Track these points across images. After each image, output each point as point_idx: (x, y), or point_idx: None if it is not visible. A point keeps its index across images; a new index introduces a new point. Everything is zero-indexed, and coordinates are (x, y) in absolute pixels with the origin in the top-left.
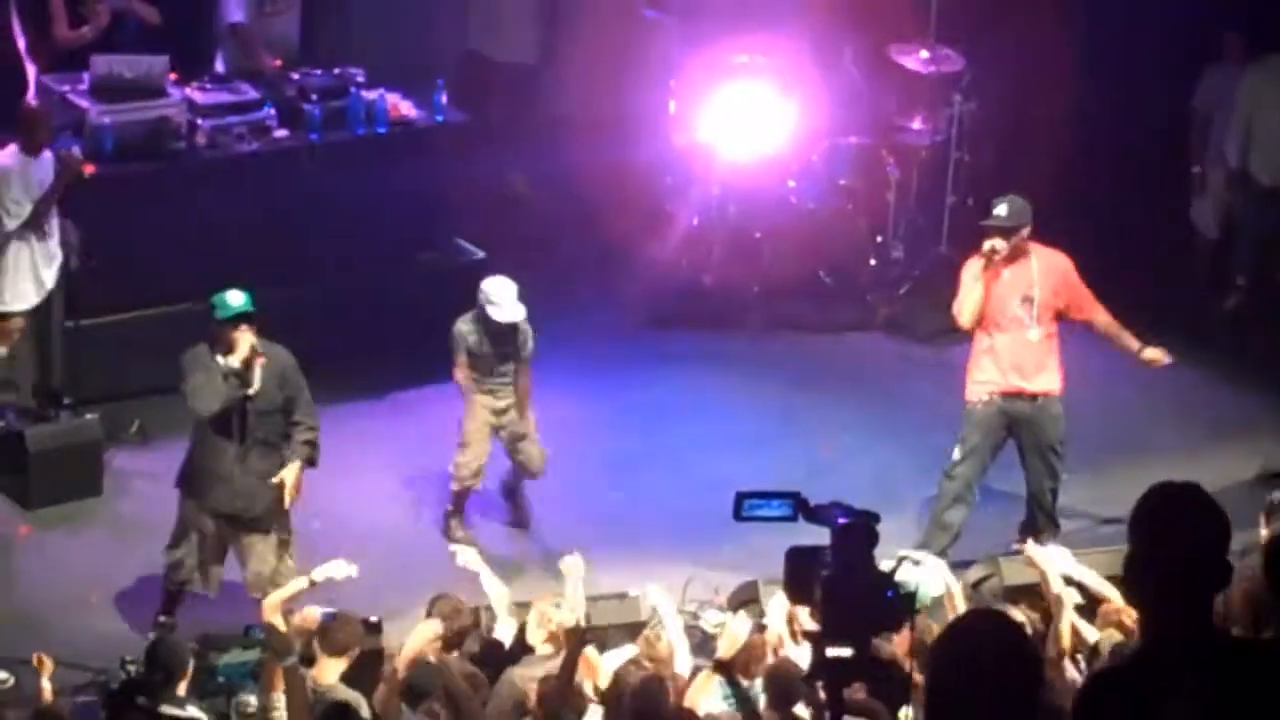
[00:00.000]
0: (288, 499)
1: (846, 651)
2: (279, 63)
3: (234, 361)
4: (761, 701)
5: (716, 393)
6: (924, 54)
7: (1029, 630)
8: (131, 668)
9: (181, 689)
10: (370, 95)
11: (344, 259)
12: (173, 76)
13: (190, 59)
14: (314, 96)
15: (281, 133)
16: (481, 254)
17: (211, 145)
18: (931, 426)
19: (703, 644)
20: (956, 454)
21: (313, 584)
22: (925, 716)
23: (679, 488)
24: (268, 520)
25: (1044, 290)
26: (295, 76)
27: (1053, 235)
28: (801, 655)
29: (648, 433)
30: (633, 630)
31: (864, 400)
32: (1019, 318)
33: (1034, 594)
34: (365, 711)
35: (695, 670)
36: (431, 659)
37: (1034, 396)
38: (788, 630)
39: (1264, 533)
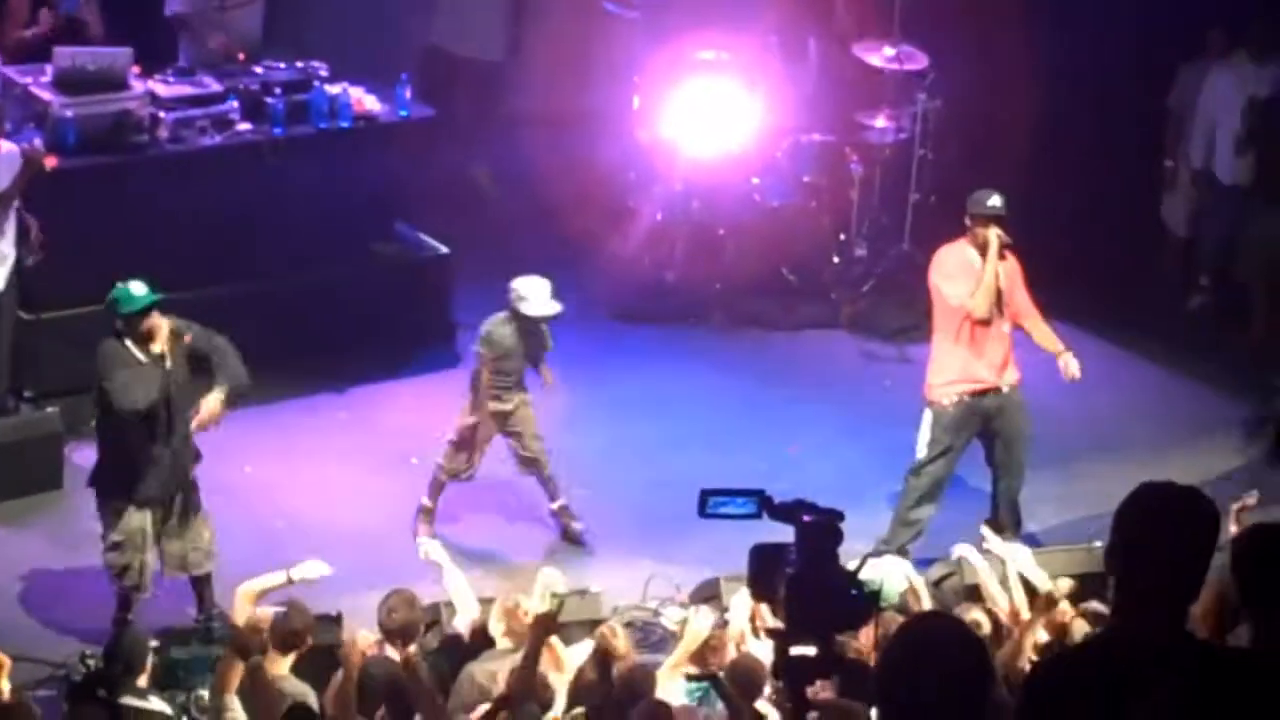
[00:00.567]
0: (195, 423)
1: (810, 650)
2: (242, 56)
3: (156, 349)
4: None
5: (679, 390)
6: (888, 51)
7: (986, 630)
8: (91, 661)
9: (142, 681)
10: (334, 89)
11: (305, 253)
12: (135, 69)
13: (153, 52)
14: (277, 90)
15: (244, 126)
16: (445, 249)
17: (174, 138)
18: (895, 423)
19: (663, 641)
20: (923, 453)
21: (290, 582)
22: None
23: (641, 484)
24: (197, 493)
25: (1007, 286)
26: (258, 70)
27: (1017, 234)
28: (763, 650)
29: (610, 429)
30: (593, 627)
31: (827, 397)
32: (993, 312)
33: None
34: (313, 701)
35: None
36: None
37: (1000, 390)
38: (749, 626)
39: (1233, 529)
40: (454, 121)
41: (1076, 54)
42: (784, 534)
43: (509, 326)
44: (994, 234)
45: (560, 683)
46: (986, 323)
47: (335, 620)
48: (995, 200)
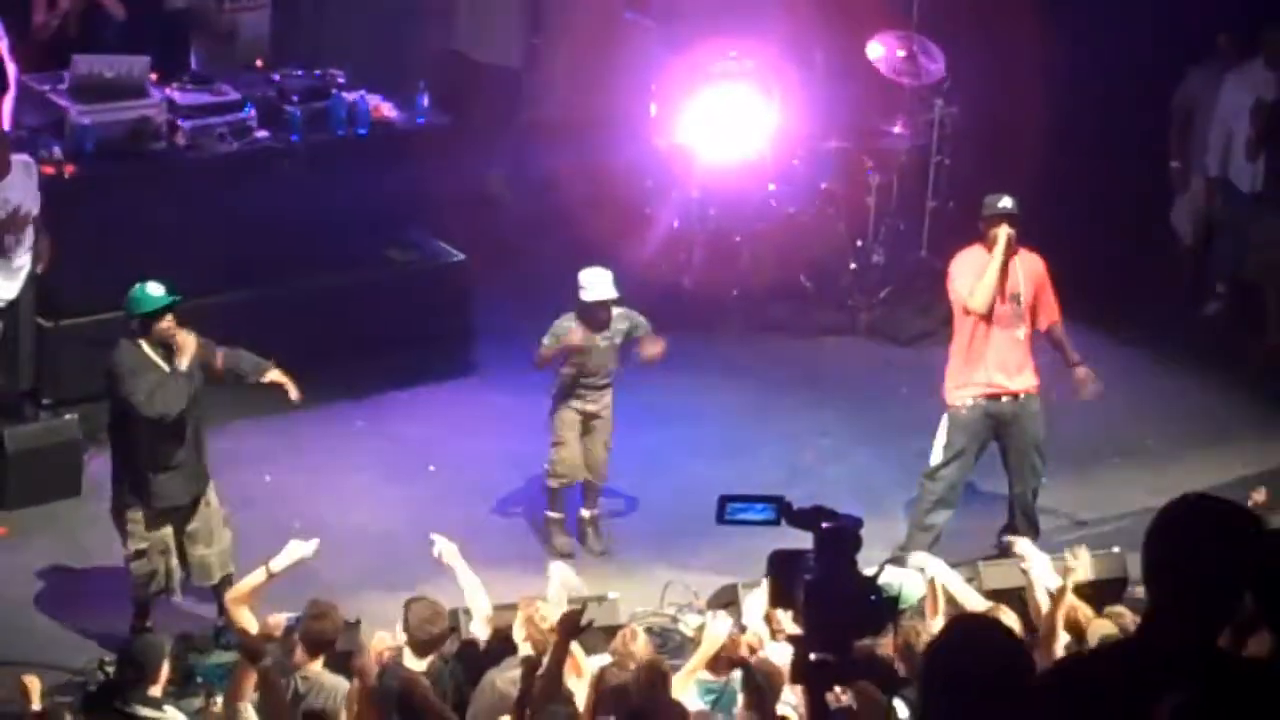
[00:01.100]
0: (294, 392)
1: (829, 655)
2: (259, 63)
3: (182, 359)
4: (739, 700)
5: (697, 396)
6: (901, 54)
7: (1017, 630)
8: (110, 669)
9: (156, 689)
10: (351, 96)
11: (322, 260)
12: (153, 77)
13: (171, 59)
14: (295, 97)
15: (262, 134)
16: (461, 256)
17: (192, 146)
18: (912, 430)
19: (681, 647)
20: (938, 457)
21: (270, 575)
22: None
23: (658, 490)
24: (216, 496)
25: (1027, 290)
26: (276, 77)
27: (1033, 239)
28: (780, 654)
29: (628, 436)
30: (612, 633)
31: (845, 404)
32: (1007, 315)
33: (1013, 598)
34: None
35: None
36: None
37: (1015, 395)
38: (767, 629)
39: None
40: (471, 128)
41: (1092, 61)
42: (801, 540)
43: (572, 320)
44: (1004, 232)
45: (579, 688)
46: (1001, 326)
47: (354, 625)
48: (1006, 201)
